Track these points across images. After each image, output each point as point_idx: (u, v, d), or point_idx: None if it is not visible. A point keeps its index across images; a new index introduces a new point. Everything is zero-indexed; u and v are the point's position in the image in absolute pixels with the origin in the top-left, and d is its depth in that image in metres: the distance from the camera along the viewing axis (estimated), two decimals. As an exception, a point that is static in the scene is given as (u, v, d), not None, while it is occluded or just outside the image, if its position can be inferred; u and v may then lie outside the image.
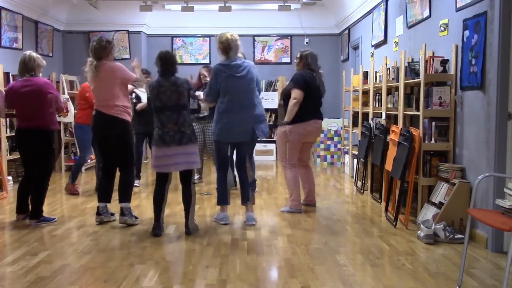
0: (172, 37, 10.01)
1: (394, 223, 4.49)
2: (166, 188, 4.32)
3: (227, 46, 4.45)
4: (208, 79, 4.91)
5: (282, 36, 10.03)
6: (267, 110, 9.23)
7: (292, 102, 4.86)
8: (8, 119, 6.49)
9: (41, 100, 4.58)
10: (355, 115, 7.17)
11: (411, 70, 4.90)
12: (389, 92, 5.74)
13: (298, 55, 5.13)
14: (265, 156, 9.38)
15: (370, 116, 6.27)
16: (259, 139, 4.73)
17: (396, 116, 5.37)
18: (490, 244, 3.77)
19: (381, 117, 5.88)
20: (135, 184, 6.22)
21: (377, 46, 7.09)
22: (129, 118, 4.56)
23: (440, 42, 4.76)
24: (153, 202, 4.28)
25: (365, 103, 6.63)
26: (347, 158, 7.65)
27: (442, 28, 4.72)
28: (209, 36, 9.80)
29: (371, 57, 7.36)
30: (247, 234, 4.27)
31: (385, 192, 5.25)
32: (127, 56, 9.48)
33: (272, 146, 9.37)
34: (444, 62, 4.51)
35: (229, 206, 4.80)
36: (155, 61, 4.26)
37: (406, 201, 4.51)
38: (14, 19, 7.47)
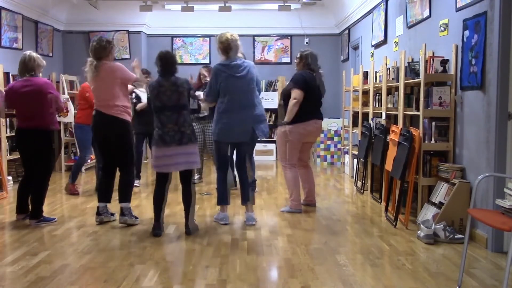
0: (172, 37, 10.01)
1: (394, 223, 4.49)
2: (166, 188, 4.32)
3: (227, 46, 4.45)
4: (208, 79, 4.91)
5: (282, 36, 10.03)
6: (267, 110, 9.24)
7: (292, 102, 4.86)
8: (8, 119, 6.49)
9: (41, 100, 4.58)
10: (355, 115, 7.17)
11: (411, 70, 4.90)
12: (389, 92, 5.74)
13: (298, 55, 5.13)
14: (265, 156, 9.38)
15: (370, 116, 6.27)
16: (259, 139, 4.73)
17: (396, 116, 5.37)
18: (490, 244, 3.77)
19: (381, 117, 5.88)
20: (135, 184, 6.23)
21: (377, 46, 7.09)
22: (129, 118, 4.57)
23: (440, 42, 4.76)
24: (153, 202, 4.29)
25: (365, 103, 6.63)
26: (347, 158, 7.65)
27: (442, 28, 4.72)
28: (209, 36, 9.80)
29: (371, 57, 7.36)
30: (247, 234, 4.27)
31: (385, 192, 5.25)
32: (127, 56, 9.48)
33: (272, 146, 9.37)
34: (444, 62, 4.51)
35: (229, 206, 4.80)
36: (155, 61, 4.26)
37: (406, 201, 4.51)
38: (14, 19, 7.47)
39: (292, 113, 4.88)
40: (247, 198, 4.65)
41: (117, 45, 9.15)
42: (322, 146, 8.71)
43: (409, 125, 5.15)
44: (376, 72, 6.33)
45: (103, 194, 4.64)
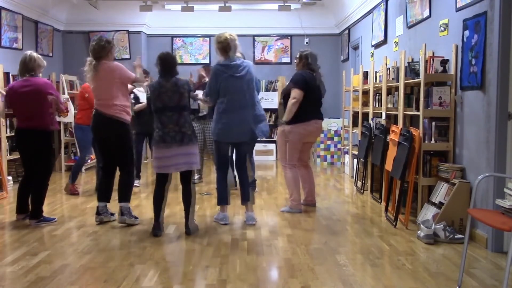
0: (172, 37, 10.01)
1: (394, 223, 4.49)
2: (166, 188, 4.32)
3: (226, 46, 4.45)
4: (207, 80, 4.91)
5: (282, 36, 10.03)
6: (267, 110, 9.27)
7: (291, 101, 4.86)
8: (8, 119, 6.49)
9: (40, 100, 4.58)
10: (355, 115, 7.17)
11: (411, 70, 4.90)
12: (389, 92, 5.74)
13: (298, 55, 5.13)
14: (265, 156, 9.38)
15: (370, 116, 6.27)
16: (259, 139, 4.73)
17: (396, 116, 5.37)
18: (490, 244, 3.77)
19: (381, 117, 5.88)
20: (135, 184, 6.22)
21: (377, 46, 7.09)
22: (128, 118, 4.56)
23: (440, 42, 4.76)
24: (153, 202, 4.29)
25: (365, 103, 6.63)
26: (347, 158, 7.65)
27: (442, 28, 4.72)
28: (209, 36, 9.80)
29: (371, 57, 7.36)
30: (247, 234, 4.27)
31: (385, 192, 5.24)
32: (127, 56, 9.48)
33: (272, 146, 9.38)
34: (444, 62, 4.51)
35: (229, 206, 4.80)
36: (155, 62, 4.27)
37: (406, 201, 4.51)
38: (14, 19, 7.47)
39: (291, 112, 4.88)
40: (247, 198, 4.65)
41: (117, 45, 9.15)
42: (322, 146, 8.71)
43: (409, 125, 5.15)
44: (376, 72, 6.33)
45: (103, 193, 4.65)
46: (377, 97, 6.19)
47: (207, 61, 9.82)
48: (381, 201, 5.47)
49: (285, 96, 5.03)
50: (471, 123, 4.16)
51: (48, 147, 4.72)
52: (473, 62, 4.08)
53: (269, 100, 9.37)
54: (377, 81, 6.18)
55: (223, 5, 8.38)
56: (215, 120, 4.54)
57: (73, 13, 9.25)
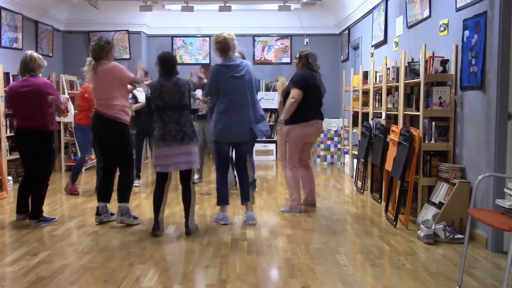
0: (172, 37, 10.01)
1: (394, 223, 4.49)
2: (166, 188, 4.32)
3: (225, 46, 4.46)
4: (205, 81, 4.90)
5: (282, 36, 10.02)
6: (267, 110, 9.28)
7: (290, 101, 4.86)
8: (8, 119, 6.49)
9: (40, 100, 4.58)
10: (355, 115, 7.17)
11: (411, 70, 4.90)
12: (389, 92, 5.74)
13: (298, 55, 5.13)
14: (265, 156, 9.38)
15: (370, 116, 6.27)
16: (258, 139, 4.73)
17: (396, 116, 5.37)
18: (490, 244, 3.77)
19: (381, 117, 5.88)
20: (135, 184, 6.22)
21: (377, 46, 7.09)
22: (127, 118, 4.55)
23: (440, 42, 4.76)
24: (153, 201, 4.29)
25: (365, 103, 6.63)
26: (347, 158, 7.65)
27: (442, 28, 4.72)
28: (209, 36, 9.80)
29: (371, 57, 7.36)
30: (247, 234, 4.27)
31: (385, 192, 5.24)
32: (127, 56, 9.48)
33: (272, 146, 9.38)
34: (444, 62, 4.51)
35: (229, 206, 4.80)
36: (155, 62, 4.27)
37: (406, 201, 4.51)
38: (14, 19, 7.47)
39: (289, 112, 4.88)
40: (247, 198, 4.65)
41: (117, 45, 9.15)
42: (322, 146, 8.71)
43: (409, 125, 5.15)
44: (376, 72, 6.33)
45: (103, 194, 4.65)
46: (377, 97, 6.19)
47: (207, 61, 9.81)
48: (381, 201, 5.47)
49: (285, 95, 5.03)
50: (471, 123, 4.16)
51: (48, 147, 4.72)
52: (473, 62, 4.08)
53: (269, 100, 9.37)
54: (377, 81, 6.18)
55: (223, 5, 8.38)
56: (214, 121, 4.54)
57: (73, 13, 9.25)
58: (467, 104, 4.24)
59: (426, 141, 4.52)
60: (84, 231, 4.37)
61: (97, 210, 4.63)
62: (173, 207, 5.18)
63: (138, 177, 6.52)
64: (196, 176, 6.65)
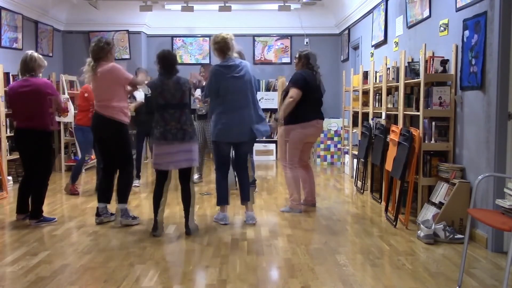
0: (172, 37, 10.01)
1: (394, 223, 4.49)
2: (166, 187, 4.31)
3: (223, 46, 4.46)
4: (204, 83, 4.90)
5: (282, 36, 10.02)
6: (267, 110, 9.28)
7: (288, 100, 4.87)
8: (8, 119, 6.49)
9: (39, 100, 4.58)
10: (355, 115, 7.17)
11: (411, 70, 4.90)
12: (389, 92, 5.74)
13: (297, 55, 5.13)
14: (265, 156, 9.38)
15: (370, 116, 6.27)
16: (258, 139, 4.73)
17: (396, 116, 5.37)
18: (490, 244, 3.77)
19: (381, 117, 5.88)
20: (135, 184, 6.23)
21: (377, 46, 7.09)
22: (126, 119, 4.53)
23: (440, 42, 4.76)
24: (152, 201, 4.29)
25: (365, 103, 6.63)
26: (347, 158, 7.65)
27: (442, 28, 4.72)
28: (209, 36, 9.72)
29: (371, 57, 7.36)
30: (247, 234, 4.27)
31: (385, 192, 5.24)
32: (127, 56, 9.48)
33: (272, 146, 9.38)
34: (444, 62, 4.51)
35: (229, 206, 4.80)
36: (155, 60, 4.27)
37: (406, 201, 4.51)
38: (14, 19, 7.47)
39: (286, 111, 4.88)
40: (247, 198, 4.65)
41: (117, 45, 9.15)
42: (322, 146, 8.71)
43: (409, 125, 5.15)
44: (376, 72, 6.33)
45: (103, 194, 4.64)
46: (377, 97, 6.19)
47: (207, 61, 9.81)
48: (381, 201, 5.47)
49: (285, 95, 5.03)
50: (471, 123, 4.16)
51: (48, 147, 4.72)
52: (473, 62, 4.08)
53: (269, 100, 9.37)
54: (377, 81, 6.18)
55: (223, 5, 8.39)
56: (214, 121, 4.53)
57: (73, 13, 9.25)
58: (467, 104, 4.24)
59: (426, 141, 4.52)
60: (84, 231, 4.37)
61: (97, 211, 4.63)
62: (173, 207, 5.18)
63: (138, 177, 6.52)
64: (196, 176, 6.65)
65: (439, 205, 4.25)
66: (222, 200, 4.64)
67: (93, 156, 7.44)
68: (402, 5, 5.90)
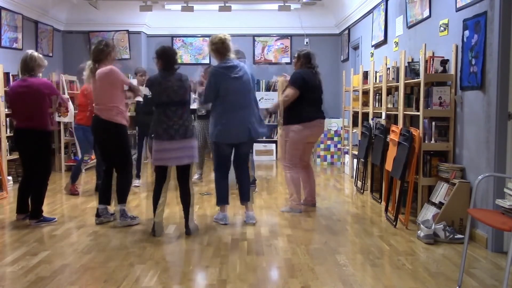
0: (172, 37, 10.01)
1: (394, 223, 4.49)
2: (165, 186, 4.29)
3: (220, 47, 4.47)
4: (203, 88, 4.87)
5: (282, 36, 10.02)
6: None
7: (282, 98, 4.91)
8: (8, 119, 6.49)
9: (38, 100, 4.58)
10: (355, 115, 7.17)
11: (411, 70, 4.90)
12: (389, 92, 5.74)
13: (296, 55, 5.14)
14: (265, 156, 9.38)
15: (370, 116, 6.27)
16: (258, 139, 4.73)
17: (396, 116, 5.37)
18: (490, 244, 3.77)
19: (381, 117, 5.88)
20: (135, 184, 6.23)
21: (377, 46, 7.09)
22: (124, 121, 4.51)
23: (440, 42, 4.76)
24: (152, 201, 4.29)
25: (365, 103, 6.63)
26: (347, 158, 7.65)
27: (442, 28, 4.72)
28: (209, 36, 9.75)
29: (371, 57, 7.36)
30: (247, 234, 4.27)
31: (385, 192, 5.24)
32: (127, 56, 9.48)
33: (272, 146, 9.38)
34: (444, 62, 4.51)
35: (229, 206, 4.80)
36: (154, 56, 4.25)
37: (406, 201, 4.51)
38: (14, 19, 7.47)
39: (277, 107, 4.96)
40: (247, 198, 4.65)
41: (117, 45, 9.14)
42: (322, 146, 8.71)
43: (409, 125, 5.15)
44: (376, 72, 6.33)
45: (104, 196, 4.64)
46: (377, 97, 6.19)
47: (207, 61, 9.81)
48: (381, 201, 5.47)
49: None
50: (471, 123, 4.16)
51: (47, 147, 4.72)
52: (473, 62, 4.08)
53: (269, 100, 9.36)
54: (377, 81, 6.18)
55: (223, 5, 8.39)
56: (213, 122, 4.52)
57: (73, 13, 9.25)
58: (467, 104, 4.24)
59: (426, 141, 4.52)
60: (84, 231, 4.37)
61: (97, 212, 4.63)
62: (173, 207, 5.18)
63: (138, 177, 6.52)
64: (196, 176, 6.65)
65: (439, 205, 4.25)
66: (222, 200, 4.64)
67: (93, 156, 7.44)
68: (402, 5, 5.90)
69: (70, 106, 7.19)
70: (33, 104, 4.56)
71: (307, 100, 4.90)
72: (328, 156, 8.77)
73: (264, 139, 9.11)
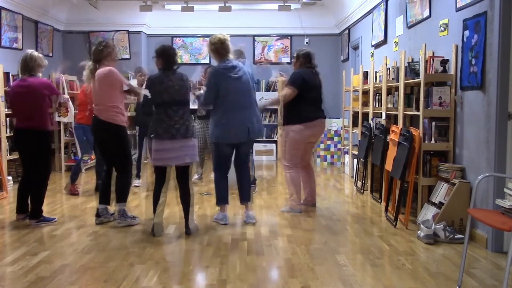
0: (172, 37, 10.01)
1: (394, 223, 4.49)
2: (165, 188, 4.29)
3: (219, 47, 4.47)
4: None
5: (282, 36, 10.03)
6: (267, 110, 9.28)
7: (279, 95, 4.92)
8: (8, 119, 6.49)
9: (37, 100, 4.58)
10: (355, 115, 7.17)
11: (411, 70, 4.90)
12: (389, 92, 5.74)
13: (295, 55, 5.14)
14: (265, 156, 9.38)
15: (370, 116, 6.27)
16: (257, 139, 4.73)
17: (396, 116, 5.37)
18: (490, 244, 3.77)
19: (381, 117, 5.88)
20: (135, 184, 6.23)
21: (377, 46, 7.09)
22: (122, 122, 4.51)
23: (440, 42, 4.76)
24: (152, 201, 4.29)
25: (365, 103, 6.63)
26: (347, 158, 7.65)
27: (442, 28, 4.72)
28: (209, 36, 9.76)
29: (371, 57, 7.36)
30: (247, 234, 4.27)
31: (385, 192, 5.24)
32: (127, 56, 9.48)
33: (272, 146, 9.38)
34: (444, 62, 4.51)
35: (229, 206, 4.79)
36: (153, 56, 4.25)
37: (406, 201, 4.51)
38: (14, 19, 7.47)
39: (273, 103, 5.04)
40: (247, 198, 4.66)
41: (117, 45, 9.15)
42: (322, 146, 8.71)
43: (409, 125, 5.15)
44: (376, 72, 6.33)
45: (105, 196, 4.64)
46: (377, 97, 6.19)
47: (207, 61, 9.81)
48: (381, 201, 5.47)
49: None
50: (471, 123, 4.16)
51: (47, 147, 4.72)
52: (473, 62, 4.08)
53: (269, 100, 9.36)
54: (377, 81, 6.18)
55: (223, 5, 8.39)
56: (213, 122, 4.52)
57: (73, 13, 9.25)
58: (467, 104, 4.24)
59: (426, 141, 4.52)
60: (84, 231, 4.37)
61: (97, 212, 4.63)
62: (173, 207, 5.18)
63: (138, 177, 6.52)
64: (196, 176, 6.65)
65: (439, 205, 4.25)
66: (222, 200, 4.64)
67: (93, 156, 7.44)
68: (402, 5, 5.90)
69: (70, 106, 7.20)
70: (33, 104, 4.56)
71: (307, 100, 4.90)
72: (328, 156, 8.77)
73: (264, 139, 9.12)
